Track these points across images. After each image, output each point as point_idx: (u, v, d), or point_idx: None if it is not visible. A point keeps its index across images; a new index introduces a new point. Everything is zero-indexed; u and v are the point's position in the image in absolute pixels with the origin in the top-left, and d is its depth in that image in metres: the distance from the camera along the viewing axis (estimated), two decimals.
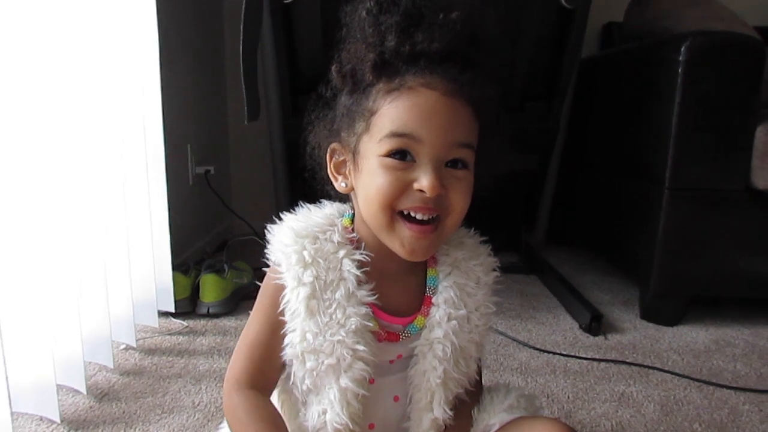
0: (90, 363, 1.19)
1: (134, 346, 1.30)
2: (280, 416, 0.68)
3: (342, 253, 0.67)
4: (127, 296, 1.27)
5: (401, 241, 0.64)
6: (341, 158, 0.68)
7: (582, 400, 1.16)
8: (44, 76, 0.97)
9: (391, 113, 0.61)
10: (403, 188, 0.62)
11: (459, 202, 0.64)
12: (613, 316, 1.65)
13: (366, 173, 0.64)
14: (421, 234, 0.63)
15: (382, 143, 0.62)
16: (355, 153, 0.65)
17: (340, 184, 0.69)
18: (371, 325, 0.67)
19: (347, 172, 0.68)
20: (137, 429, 1.00)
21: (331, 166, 0.69)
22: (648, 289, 1.59)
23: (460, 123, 0.62)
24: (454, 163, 0.63)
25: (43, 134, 0.97)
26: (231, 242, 2.11)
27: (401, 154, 0.61)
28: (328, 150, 0.68)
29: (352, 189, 0.68)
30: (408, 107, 0.61)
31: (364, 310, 0.66)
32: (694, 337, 1.52)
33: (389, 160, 0.61)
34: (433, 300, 0.71)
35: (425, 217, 0.63)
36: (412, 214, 0.62)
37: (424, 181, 0.60)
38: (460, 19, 0.61)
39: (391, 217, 0.63)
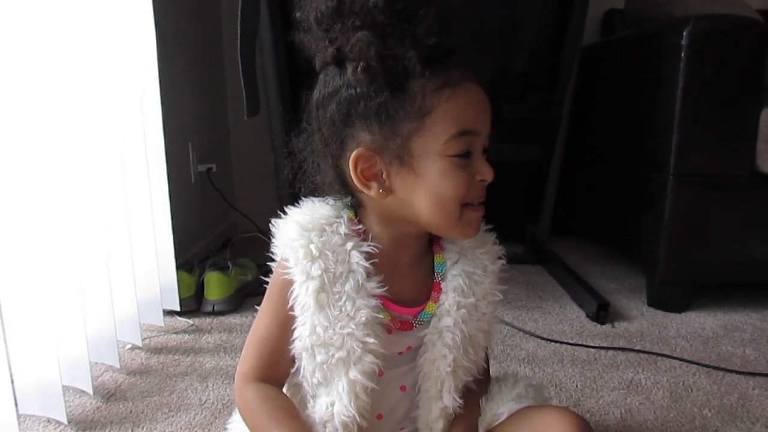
0: (96, 363, 1.19)
1: (140, 345, 1.30)
2: (293, 404, 0.69)
3: (350, 245, 0.67)
4: (132, 296, 1.27)
5: (469, 225, 0.67)
6: (368, 164, 0.64)
7: (590, 388, 1.16)
8: (42, 77, 0.97)
9: (453, 112, 0.61)
10: (471, 182, 0.64)
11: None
12: (619, 304, 1.64)
13: (434, 175, 0.63)
14: (482, 213, 0.68)
15: (451, 144, 0.62)
16: (402, 155, 0.62)
17: (377, 191, 0.65)
18: (381, 317, 0.66)
19: (384, 177, 0.64)
20: (144, 428, 1.00)
21: (358, 173, 0.64)
22: (654, 277, 1.58)
23: (491, 111, 0.65)
24: (484, 150, 0.66)
25: (44, 135, 0.97)
26: (235, 239, 2.11)
27: (468, 152, 0.63)
28: (352, 159, 0.63)
29: (392, 192, 0.65)
30: (467, 104, 0.62)
31: (374, 302, 0.66)
32: (701, 323, 1.51)
33: (458, 159, 0.63)
34: (442, 286, 0.71)
35: (479, 202, 0.67)
36: (472, 201, 0.66)
37: (485, 171, 0.65)
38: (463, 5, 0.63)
39: (461, 210, 0.65)
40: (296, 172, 0.72)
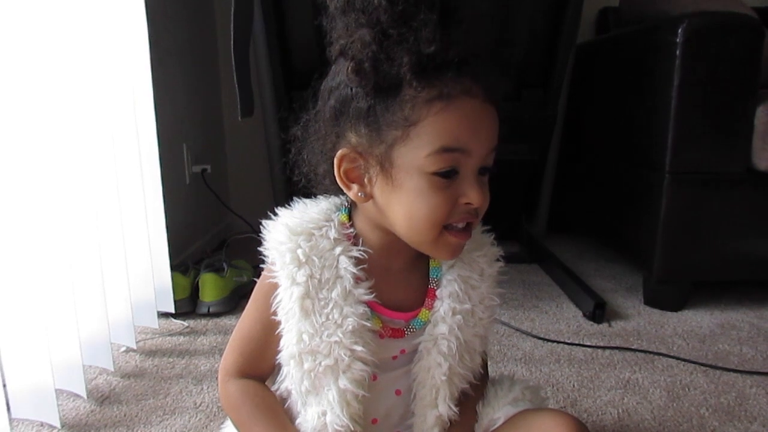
0: (90, 366, 1.18)
1: (134, 348, 1.29)
2: (274, 399, 0.70)
3: (338, 250, 0.66)
4: (126, 298, 1.26)
5: (446, 249, 0.64)
6: (353, 165, 0.63)
7: (587, 388, 1.15)
8: (34, 77, 0.96)
9: (439, 126, 0.58)
10: (452, 206, 0.61)
11: (486, 204, 0.63)
12: (616, 303, 1.64)
13: (410, 190, 0.60)
14: (465, 239, 0.64)
15: (431, 159, 0.58)
16: (384, 162, 0.60)
17: (356, 194, 0.64)
18: (369, 324, 0.65)
19: (365, 181, 0.63)
20: (138, 431, 0.99)
21: (341, 172, 0.63)
22: (651, 275, 1.58)
23: (495, 128, 0.62)
24: (483, 170, 0.62)
25: (35, 137, 0.96)
26: (230, 240, 2.10)
27: (451, 172, 0.59)
28: (336, 157, 0.63)
29: (371, 198, 0.64)
30: (457, 119, 0.58)
31: (361, 309, 0.65)
32: (698, 322, 1.51)
33: (438, 179, 0.59)
34: (437, 293, 0.70)
35: (465, 225, 0.63)
36: (455, 224, 0.62)
37: (473, 195, 0.60)
38: (484, 15, 0.60)
39: (439, 233, 0.62)
40: (295, 161, 0.71)
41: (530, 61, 1.77)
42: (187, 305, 1.52)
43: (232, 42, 1.28)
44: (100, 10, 1.17)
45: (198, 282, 1.53)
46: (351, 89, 0.61)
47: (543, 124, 1.89)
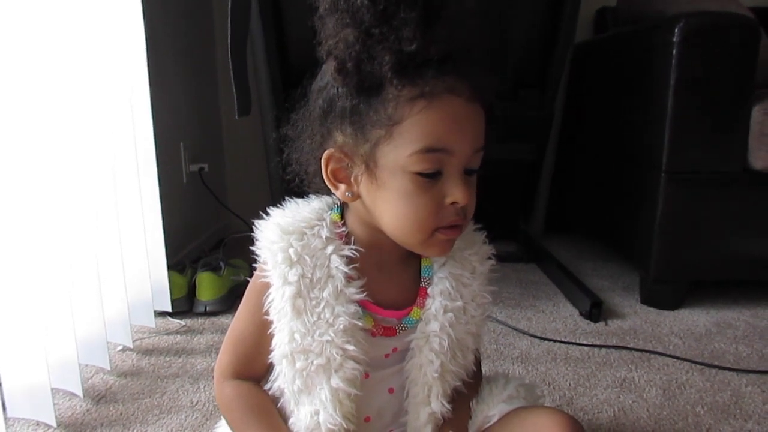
0: (86, 365, 1.18)
1: (131, 347, 1.29)
2: (269, 401, 0.70)
3: (330, 249, 0.65)
4: (122, 297, 1.26)
5: (436, 247, 0.64)
6: (339, 165, 0.63)
7: (583, 386, 1.15)
8: (30, 76, 0.96)
9: (422, 125, 0.57)
10: (438, 206, 0.61)
11: (473, 204, 0.63)
12: (613, 302, 1.64)
13: (394, 190, 0.60)
14: (454, 235, 0.63)
15: (415, 159, 0.58)
16: (369, 162, 0.60)
17: (344, 193, 0.64)
18: (361, 323, 0.65)
19: (352, 180, 0.63)
20: (135, 430, 0.99)
21: (328, 172, 0.64)
22: (648, 274, 1.58)
23: (481, 128, 0.61)
24: (469, 171, 0.62)
25: (30, 136, 0.96)
26: (227, 239, 2.10)
27: (435, 173, 0.59)
28: (323, 158, 0.63)
29: (359, 197, 0.64)
30: (440, 119, 0.57)
31: (353, 308, 0.65)
32: (694, 321, 1.51)
33: (422, 179, 0.59)
34: (429, 291, 0.70)
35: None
36: (446, 226, 0.62)
37: (457, 194, 0.60)
38: (474, 12, 0.59)
39: (429, 235, 0.62)
40: (287, 160, 0.71)
41: (527, 61, 1.77)
42: (184, 304, 1.51)
43: (229, 40, 1.28)
44: (97, 9, 1.16)
45: (195, 281, 1.53)
46: (336, 89, 0.61)
47: (540, 124, 1.89)
